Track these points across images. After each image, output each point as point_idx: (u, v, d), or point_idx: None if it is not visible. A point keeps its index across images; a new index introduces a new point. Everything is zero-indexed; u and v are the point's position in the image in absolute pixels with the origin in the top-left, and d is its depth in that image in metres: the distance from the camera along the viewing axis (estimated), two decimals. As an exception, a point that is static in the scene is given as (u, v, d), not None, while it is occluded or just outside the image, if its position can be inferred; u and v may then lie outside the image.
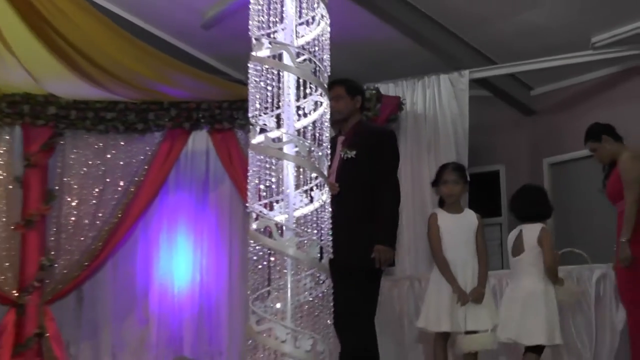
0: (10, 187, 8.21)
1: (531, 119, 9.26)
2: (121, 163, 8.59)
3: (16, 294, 7.96)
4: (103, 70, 7.69)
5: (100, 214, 8.42)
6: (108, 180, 8.52)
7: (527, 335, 5.20)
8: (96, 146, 8.57)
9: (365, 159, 5.25)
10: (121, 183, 8.52)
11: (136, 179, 8.53)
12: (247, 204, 3.87)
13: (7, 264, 8.03)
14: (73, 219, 8.38)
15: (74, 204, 8.41)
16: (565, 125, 8.86)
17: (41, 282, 8.07)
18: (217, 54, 8.98)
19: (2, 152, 8.28)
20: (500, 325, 5.34)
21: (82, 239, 8.33)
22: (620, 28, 7.57)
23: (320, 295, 3.68)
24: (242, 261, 8.20)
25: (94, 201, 8.44)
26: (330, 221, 3.77)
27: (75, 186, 8.45)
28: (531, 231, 5.31)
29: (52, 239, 8.31)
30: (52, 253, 8.22)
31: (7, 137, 8.32)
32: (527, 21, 7.73)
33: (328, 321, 3.73)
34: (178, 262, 8.86)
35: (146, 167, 8.57)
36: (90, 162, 8.54)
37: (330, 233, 3.74)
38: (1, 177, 8.21)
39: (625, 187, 5.71)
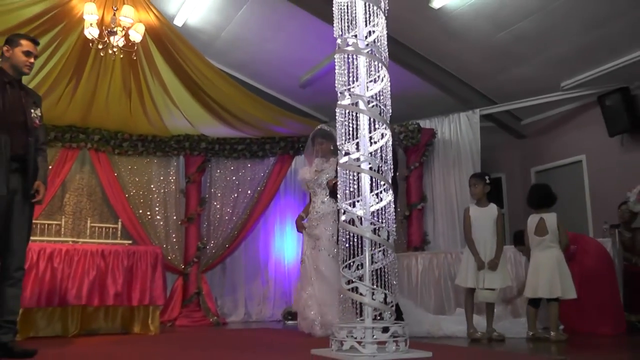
0: (178, 196, 8.34)
1: (522, 141, 9.00)
2: (248, 179, 8.63)
3: (182, 267, 8.06)
4: (235, 117, 7.75)
5: (235, 212, 8.47)
6: (240, 190, 8.57)
7: (564, 291, 4.92)
8: (232, 168, 8.62)
9: None
10: (249, 192, 8.56)
11: (259, 189, 8.56)
12: (337, 203, 3.85)
13: (176, 247, 8.15)
14: (218, 216, 8.45)
15: (218, 206, 8.48)
16: (546, 144, 8.60)
17: (198, 259, 8.14)
18: (310, 105, 8.94)
19: (172, 173, 8.43)
20: (539, 285, 5.02)
21: (224, 229, 8.40)
22: (581, 75, 7.39)
23: (388, 263, 3.64)
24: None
25: (231, 204, 8.50)
26: (394, 214, 3.71)
27: (219, 194, 8.53)
28: (551, 219, 5.13)
29: (205, 230, 8.38)
30: (205, 239, 8.29)
31: (175, 164, 8.46)
32: (517, 73, 7.54)
33: (394, 281, 3.66)
34: (287, 243, 8.86)
35: (265, 181, 8.59)
36: (228, 178, 8.60)
37: (394, 221, 3.69)
38: (172, 190, 8.36)
39: None
